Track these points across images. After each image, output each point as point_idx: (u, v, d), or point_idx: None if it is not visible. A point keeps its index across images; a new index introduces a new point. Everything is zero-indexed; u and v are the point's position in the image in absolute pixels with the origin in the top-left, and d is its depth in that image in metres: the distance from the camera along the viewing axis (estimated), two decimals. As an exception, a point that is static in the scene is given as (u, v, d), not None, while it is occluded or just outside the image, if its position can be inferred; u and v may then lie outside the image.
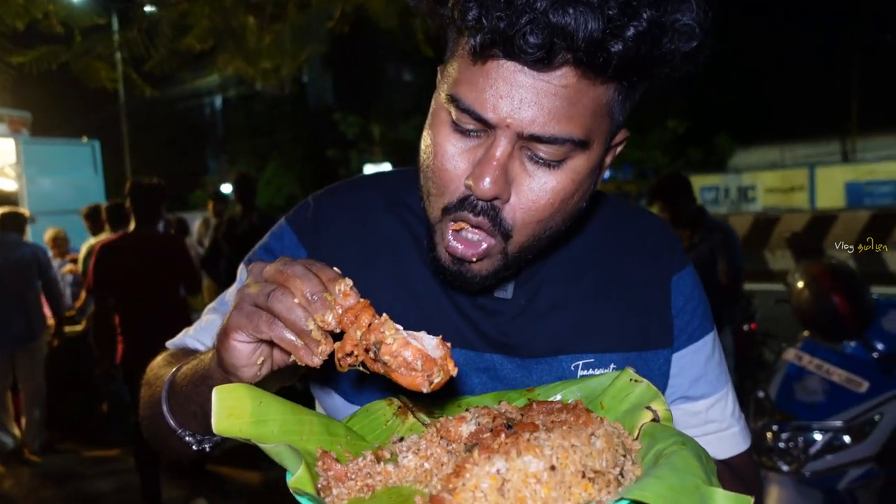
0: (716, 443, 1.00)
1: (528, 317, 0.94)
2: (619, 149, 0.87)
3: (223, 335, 0.71)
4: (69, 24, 4.55)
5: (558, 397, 0.83)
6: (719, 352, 1.03)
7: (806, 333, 3.42)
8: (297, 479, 0.60)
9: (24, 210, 6.39)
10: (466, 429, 0.72)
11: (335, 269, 0.71)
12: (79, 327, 6.17)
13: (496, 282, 0.87)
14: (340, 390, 0.97)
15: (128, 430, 5.85)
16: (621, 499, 0.56)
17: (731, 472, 0.99)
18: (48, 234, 7.20)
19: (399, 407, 0.85)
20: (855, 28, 24.82)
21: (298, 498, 0.59)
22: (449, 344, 0.68)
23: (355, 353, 0.67)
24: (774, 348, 4.45)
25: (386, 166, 20.96)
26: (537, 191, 0.77)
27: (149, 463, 4.26)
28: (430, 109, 0.83)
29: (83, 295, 6.48)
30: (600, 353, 0.94)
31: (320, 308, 0.67)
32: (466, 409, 0.77)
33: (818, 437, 2.98)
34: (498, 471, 0.57)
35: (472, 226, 0.79)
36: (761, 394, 3.36)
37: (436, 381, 0.65)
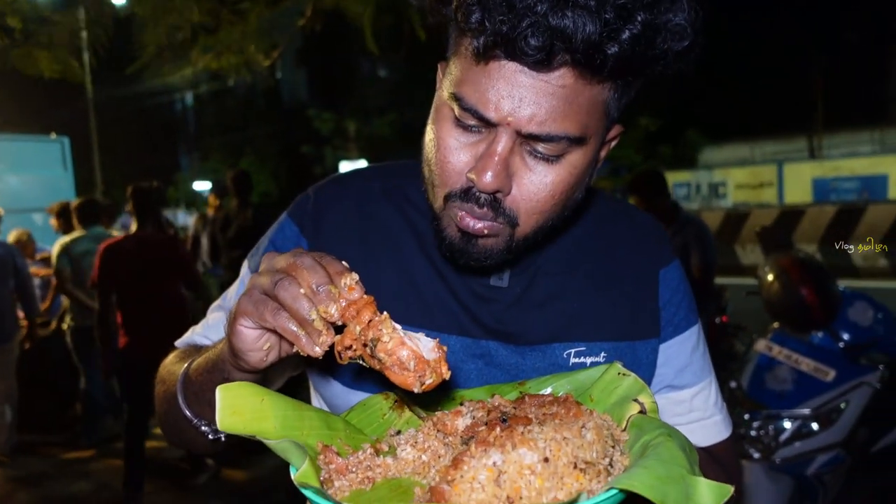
0: (699, 430, 1.04)
1: (523, 305, 0.98)
2: (613, 143, 0.91)
3: (232, 319, 0.74)
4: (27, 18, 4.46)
5: (549, 390, 0.86)
6: (703, 344, 1.08)
7: (776, 325, 3.51)
8: (302, 472, 0.62)
9: (-1, 209, 6.23)
10: (462, 422, 0.74)
11: (344, 263, 0.73)
12: (49, 328, 6.05)
13: (500, 263, 0.89)
14: (340, 379, 0.99)
15: (101, 432, 5.79)
16: (611, 488, 0.59)
17: (712, 459, 1.03)
18: (12, 236, 6.99)
19: (395, 401, 0.87)
20: (819, 28, 25.42)
21: (304, 491, 0.61)
22: (445, 348, 0.70)
23: (354, 346, 0.69)
24: (745, 340, 4.56)
25: (361, 163, 20.83)
26: (537, 183, 0.81)
27: (136, 455, 4.38)
28: (434, 104, 0.87)
29: (50, 296, 6.35)
30: (592, 342, 0.97)
31: (325, 299, 0.69)
32: (461, 403, 0.80)
33: (787, 424, 3.07)
34: (494, 463, 0.60)
35: (477, 216, 0.83)
36: (733, 384, 3.44)
37: (427, 382, 0.67)
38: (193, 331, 1.07)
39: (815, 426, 3.03)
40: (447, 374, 0.69)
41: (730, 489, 0.60)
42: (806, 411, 3.04)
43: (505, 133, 0.78)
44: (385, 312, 0.70)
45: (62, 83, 5.09)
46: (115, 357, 4.38)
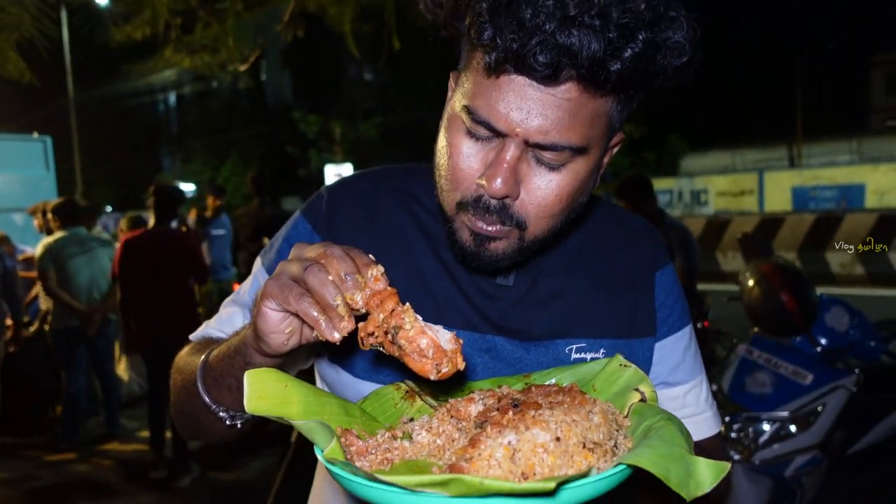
0: (691, 426, 1.09)
1: (527, 303, 1.03)
2: (616, 149, 0.98)
3: (258, 300, 0.78)
4: None
5: (553, 381, 0.91)
6: (695, 344, 1.14)
7: (756, 330, 3.57)
8: (331, 449, 0.66)
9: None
10: (475, 408, 0.78)
11: (370, 256, 0.78)
12: (31, 330, 5.98)
13: (511, 265, 0.95)
14: (350, 368, 1.03)
15: (83, 434, 5.73)
16: (619, 464, 0.64)
17: (704, 454, 1.09)
18: (-9, 237, 6.89)
19: (406, 391, 0.92)
20: (800, 38, 25.99)
21: (331, 468, 0.65)
22: (461, 340, 0.74)
23: (376, 333, 0.73)
24: (726, 344, 4.63)
25: (347, 166, 20.80)
26: (544, 189, 0.86)
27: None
28: (446, 113, 0.92)
29: (30, 297, 6.28)
30: (592, 338, 1.03)
31: (351, 287, 0.73)
32: (472, 392, 0.84)
33: (766, 427, 3.13)
34: (509, 442, 0.64)
35: (489, 222, 0.88)
36: (714, 387, 3.52)
37: (444, 370, 0.72)
38: (207, 324, 1.11)
39: (793, 428, 3.09)
40: (462, 365, 0.73)
41: (727, 466, 0.65)
42: (784, 414, 3.10)
43: (513, 142, 0.83)
44: (408, 303, 0.74)
45: (43, 82, 5.03)
46: (133, 342, 4.91)
